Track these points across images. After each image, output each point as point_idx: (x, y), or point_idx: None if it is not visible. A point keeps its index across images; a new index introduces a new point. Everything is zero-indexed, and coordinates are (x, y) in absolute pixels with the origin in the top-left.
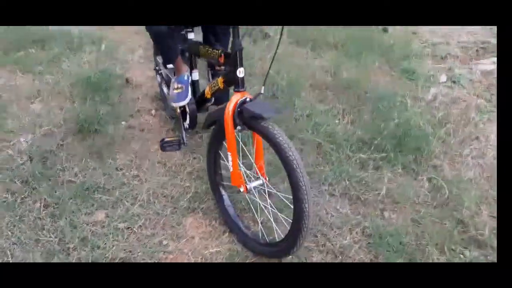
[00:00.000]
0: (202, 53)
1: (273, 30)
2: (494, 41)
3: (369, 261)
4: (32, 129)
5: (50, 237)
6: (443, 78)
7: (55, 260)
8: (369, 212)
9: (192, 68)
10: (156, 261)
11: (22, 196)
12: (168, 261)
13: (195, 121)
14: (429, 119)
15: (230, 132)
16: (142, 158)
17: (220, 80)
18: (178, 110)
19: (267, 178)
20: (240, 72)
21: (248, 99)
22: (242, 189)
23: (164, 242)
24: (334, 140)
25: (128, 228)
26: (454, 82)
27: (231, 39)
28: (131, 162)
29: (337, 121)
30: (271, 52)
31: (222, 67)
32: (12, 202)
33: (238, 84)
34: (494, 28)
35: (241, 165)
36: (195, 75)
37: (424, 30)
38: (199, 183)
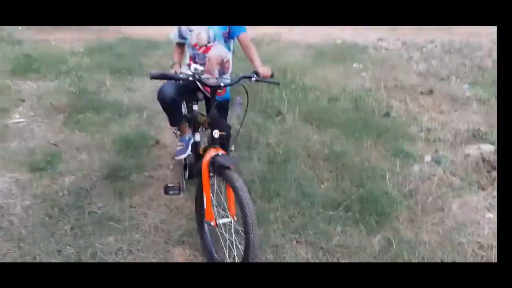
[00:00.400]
0: (199, 120)
1: (285, 108)
2: (484, 128)
3: None
4: (75, 172)
5: (70, 250)
6: (427, 158)
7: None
8: (327, 259)
9: (194, 131)
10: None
11: (57, 219)
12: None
13: (193, 172)
14: (401, 189)
15: (205, 178)
16: (152, 200)
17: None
18: (183, 163)
19: (236, 218)
20: (215, 134)
21: (220, 154)
22: (212, 223)
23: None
24: (311, 199)
25: (129, 250)
26: (437, 162)
27: (230, 112)
28: (143, 202)
29: (322, 186)
30: (281, 126)
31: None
32: (48, 222)
33: (214, 142)
34: (489, 115)
35: (215, 205)
36: (197, 137)
37: (424, 118)
38: (192, 223)
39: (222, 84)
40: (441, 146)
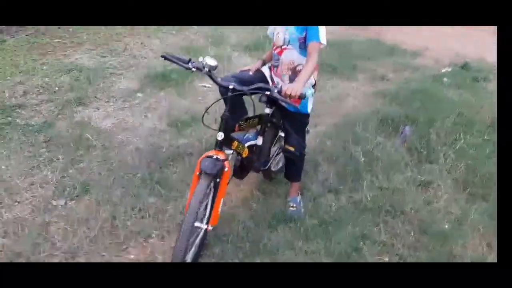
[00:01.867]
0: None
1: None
2: None
3: None
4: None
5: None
6: None
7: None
8: None
9: (258, 135)
10: None
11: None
12: None
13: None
14: None
15: (194, 175)
16: None
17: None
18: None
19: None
20: (218, 136)
21: (213, 156)
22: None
23: None
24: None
25: None
26: None
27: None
28: None
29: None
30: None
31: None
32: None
33: (215, 144)
34: None
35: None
36: (259, 141)
37: None
38: None
39: (230, 87)
40: None
